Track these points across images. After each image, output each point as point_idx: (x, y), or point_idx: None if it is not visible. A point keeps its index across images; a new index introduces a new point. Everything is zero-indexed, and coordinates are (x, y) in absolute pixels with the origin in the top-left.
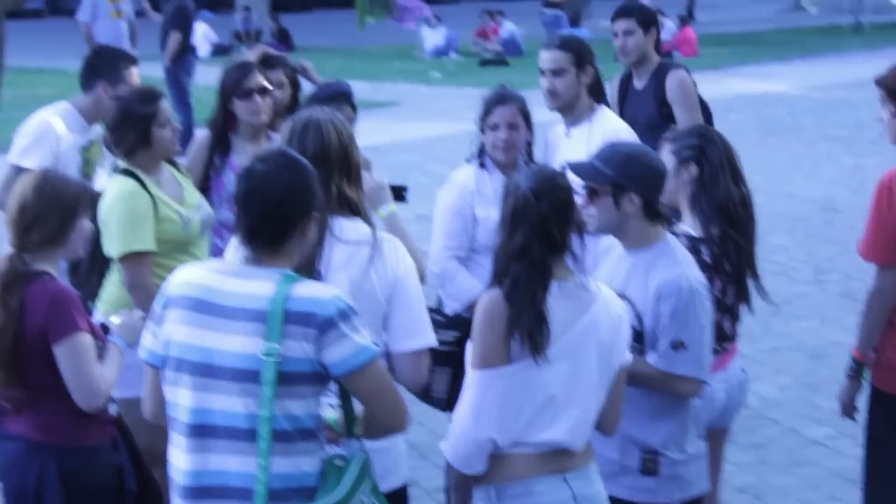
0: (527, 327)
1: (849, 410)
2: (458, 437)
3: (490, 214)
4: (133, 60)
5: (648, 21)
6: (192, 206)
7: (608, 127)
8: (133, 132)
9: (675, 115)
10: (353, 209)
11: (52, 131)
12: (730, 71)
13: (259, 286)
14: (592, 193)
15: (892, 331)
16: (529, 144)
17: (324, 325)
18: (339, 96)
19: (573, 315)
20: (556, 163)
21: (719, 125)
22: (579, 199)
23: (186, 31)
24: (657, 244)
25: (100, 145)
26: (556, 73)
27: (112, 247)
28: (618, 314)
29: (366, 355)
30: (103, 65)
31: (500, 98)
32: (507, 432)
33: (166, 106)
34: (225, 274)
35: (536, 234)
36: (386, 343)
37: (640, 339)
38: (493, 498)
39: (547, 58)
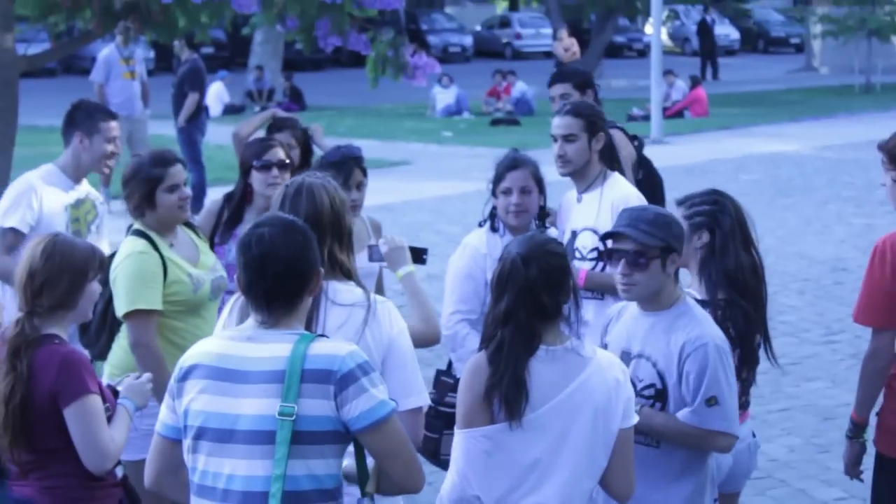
0: (504, 391)
1: (851, 471)
2: (446, 494)
3: None
4: (112, 115)
5: (584, 84)
6: (207, 268)
7: (619, 193)
8: (139, 192)
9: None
10: (346, 273)
11: (32, 189)
12: (741, 131)
13: (276, 348)
14: (641, 259)
15: (892, 395)
16: (542, 208)
17: (342, 380)
18: (349, 160)
19: (562, 379)
20: (568, 229)
21: (730, 185)
22: (621, 268)
23: (202, 90)
24: (678, 305)
25: (91, 203)
26: (568, 138)
27: (119, 305)
28: (615, 378)
29: (384, 410)
30: (80, 116)
31: (513, 163)
32: (490, 492)
33: (178, 172)
34: (240, 340)
35: (523, 299)
36: None
37: (661, 398)
38: None
39: (558, 124)
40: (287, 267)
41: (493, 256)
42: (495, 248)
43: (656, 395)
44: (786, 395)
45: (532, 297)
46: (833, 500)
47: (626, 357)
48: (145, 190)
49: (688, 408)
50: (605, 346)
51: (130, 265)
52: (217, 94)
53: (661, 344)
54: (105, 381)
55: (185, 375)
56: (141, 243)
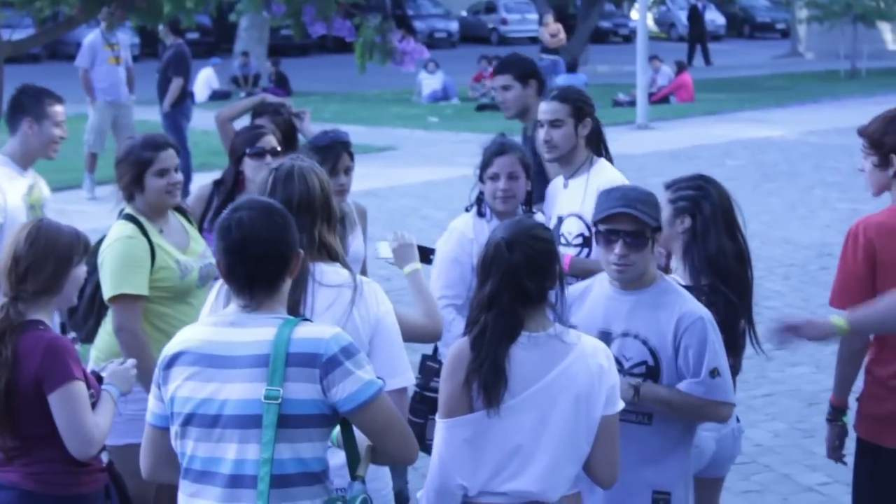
0: (483, 378)
1: (833, 455)
2: (428, 484)
3: None
4: (59, 99)
5: (525, 75)
6: (196, 255)
7: (605, 179)
8: (128, 174)
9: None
10: (333, 255)
11: None
12: (727, 116)
13: (260, 332)
14: (640, 240)
15: (870, 380)
16: (529, 194)
17: (327, 364)
18: (337, 144)
19: (543, 366)
20: (555, 214)
21: (716, 170)
22: (619, 249)
23: (187, 76)
24: (659, 283)
25: (39, 188)
26: (554, 124)
27: (105, 289)
28: (599, 364)
29: (372, 389)
30: (28, 101)
31: (501, 148)
32: (473, 479)
33: (169, 157)
34: (223, 325)
35: (506, 283)
36: None
37: (652, 374)
38: None
39: (545, 109)
40: (268, 250)
41: (479, 241)
42: (482, 234)
43: (647, 373)
44: (770, 380)
45: (516, 282)
46: (817, 485)
47: (605, 337)
48: (135, 172)
49: (690, 380)
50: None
51: (117, 249)
52: (206, 79)
53: (651, 321)
54: (90, 365)
55: (170, 363)
56: (129, 228)
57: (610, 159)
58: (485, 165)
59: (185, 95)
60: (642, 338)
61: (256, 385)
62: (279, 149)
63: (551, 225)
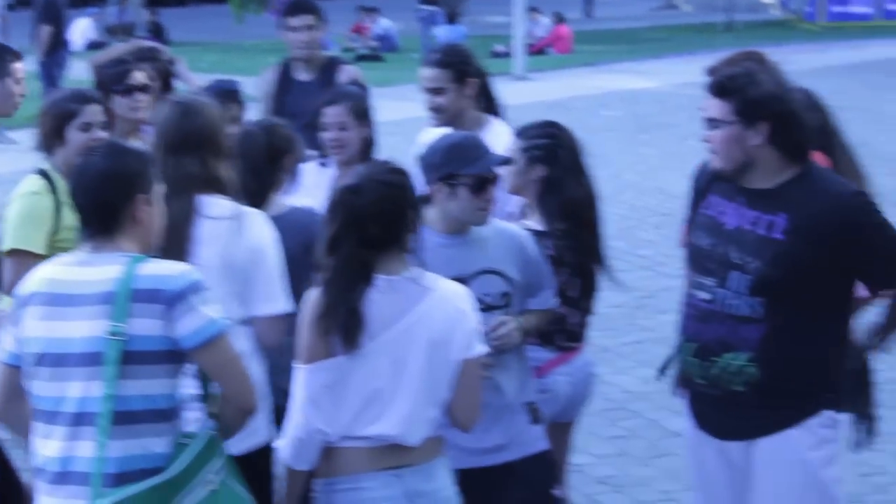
0: (341, 322)
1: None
2: (289, 431)
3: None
4: (18, 56)
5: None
6: None
7: (500, 141)
8: (49, 125)
9: None
10: (221, 188)
11: None
12: (604, 68)
13: (106, 270)
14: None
15: None
16: (367, 141)
17: (172, 299)
18: (227, 94)
19: (399, 309)
20: None
21: (592, 121)
22: (489, 195)
23: (58, 24)
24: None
25: None
26: (436, 91)
27: (4, 242)
28: (458, 308)
29: (215, 328)
30: None
31: (330, 99)
32: (334, 424)
33: (95, 112)
34: (73, 264)
35: (350, 228)
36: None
37: (507, 299)
38: (324, 491)
39: (425, 76)
40: (91, 196)
41: (319, 188)
42: (321, 182)
43: (504, 302)
44: (639, 327)
45: (359, 226)
46: (685, 430)
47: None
48: (56, 124)
49: (542, 294)
50: None
51: (21, 204)
52: (83, 29)
53: (494, 254)
54: None
55: (24, 303)
56: (38, 184)
57: (498, 113)
58: (318, 115)
59: (59, 44)
60: (496, 269)
61: (101, 322)
62: (148, 84)
63: None
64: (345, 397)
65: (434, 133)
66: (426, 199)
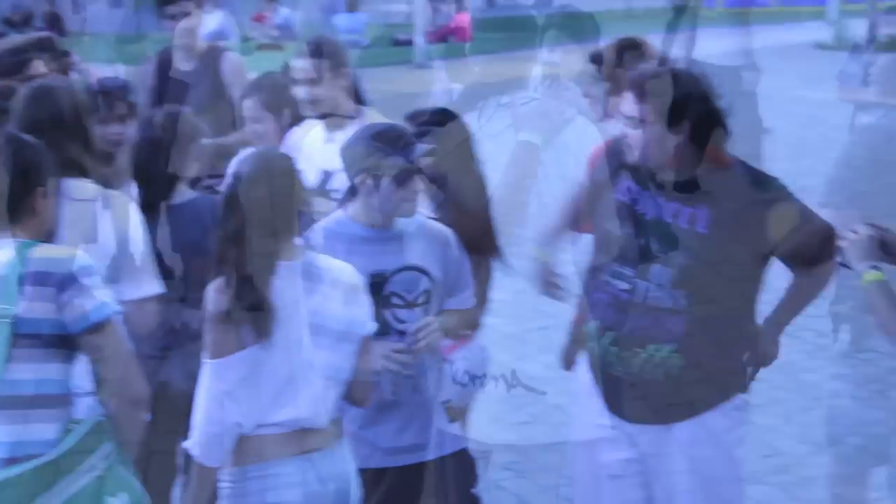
0: (249, 311)
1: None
2: (199, 429)
3: None
4: None
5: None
6: None
7: None
8: None
9: (233, 98)
10: (83, 172)
11: None
12: (504, 56)
13: None
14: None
15: None
16: (286, 130)
17: (62, 282)
18: (113, 92)
19: (301, 294)
20: (318, 168)
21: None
22: (415, 186)
23: None
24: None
25: None
26: (310, 82)
27: None
28: (352, 284)
29: (104, 311)
30: None
31: (247, 91)
32: (249, 415)
33: None
34: None
35: (250, 217)
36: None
37: (428, 295)
38: (238, 479)
39: (298, 67)
40: (14, 184)
41: None
42: None
43: (425, 299)
44: (543, 314)
45: (259, 215)
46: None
47: (380, 278)
48: None
49: (461, 294)
50: None
51: None
52: None
53: (418, 250)
54: None
55: None
56: None
57: (365, 103)
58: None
59: None
60: (419, 267)
61: None
62: (48, 74)
63: (315, 179)
64: (260, 387)
65: (312, 125)
66: (352, 192)
